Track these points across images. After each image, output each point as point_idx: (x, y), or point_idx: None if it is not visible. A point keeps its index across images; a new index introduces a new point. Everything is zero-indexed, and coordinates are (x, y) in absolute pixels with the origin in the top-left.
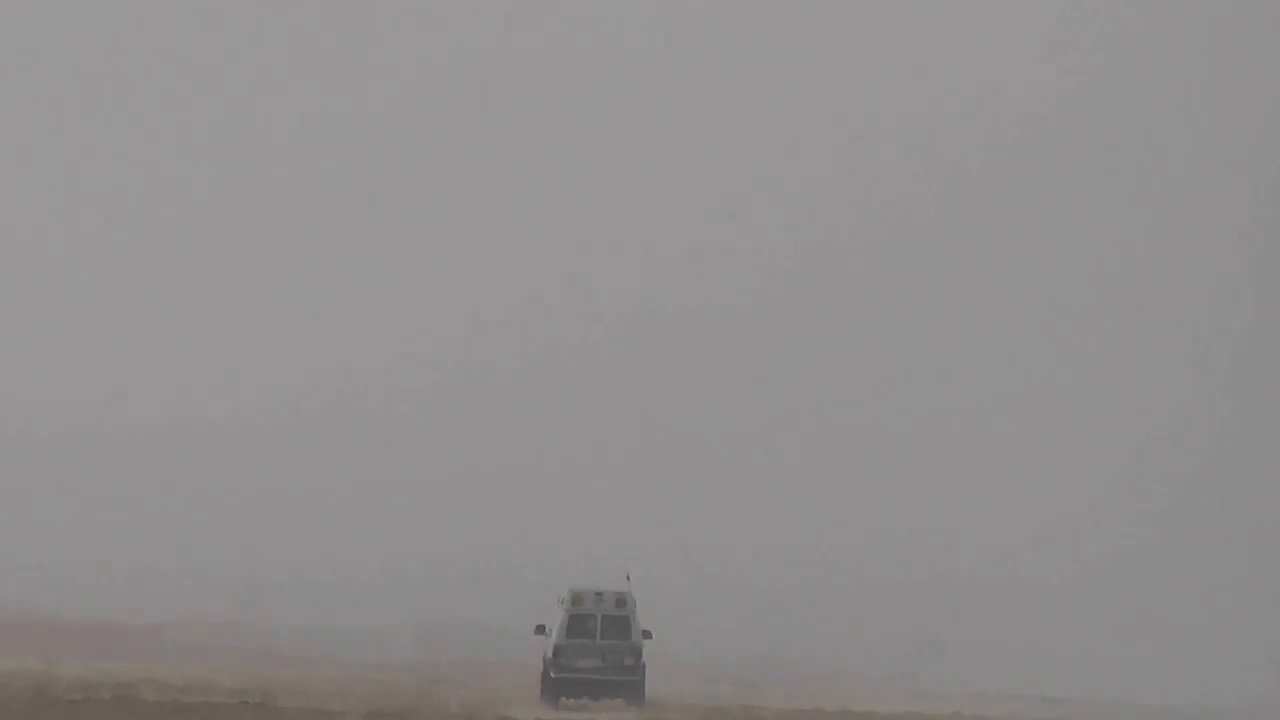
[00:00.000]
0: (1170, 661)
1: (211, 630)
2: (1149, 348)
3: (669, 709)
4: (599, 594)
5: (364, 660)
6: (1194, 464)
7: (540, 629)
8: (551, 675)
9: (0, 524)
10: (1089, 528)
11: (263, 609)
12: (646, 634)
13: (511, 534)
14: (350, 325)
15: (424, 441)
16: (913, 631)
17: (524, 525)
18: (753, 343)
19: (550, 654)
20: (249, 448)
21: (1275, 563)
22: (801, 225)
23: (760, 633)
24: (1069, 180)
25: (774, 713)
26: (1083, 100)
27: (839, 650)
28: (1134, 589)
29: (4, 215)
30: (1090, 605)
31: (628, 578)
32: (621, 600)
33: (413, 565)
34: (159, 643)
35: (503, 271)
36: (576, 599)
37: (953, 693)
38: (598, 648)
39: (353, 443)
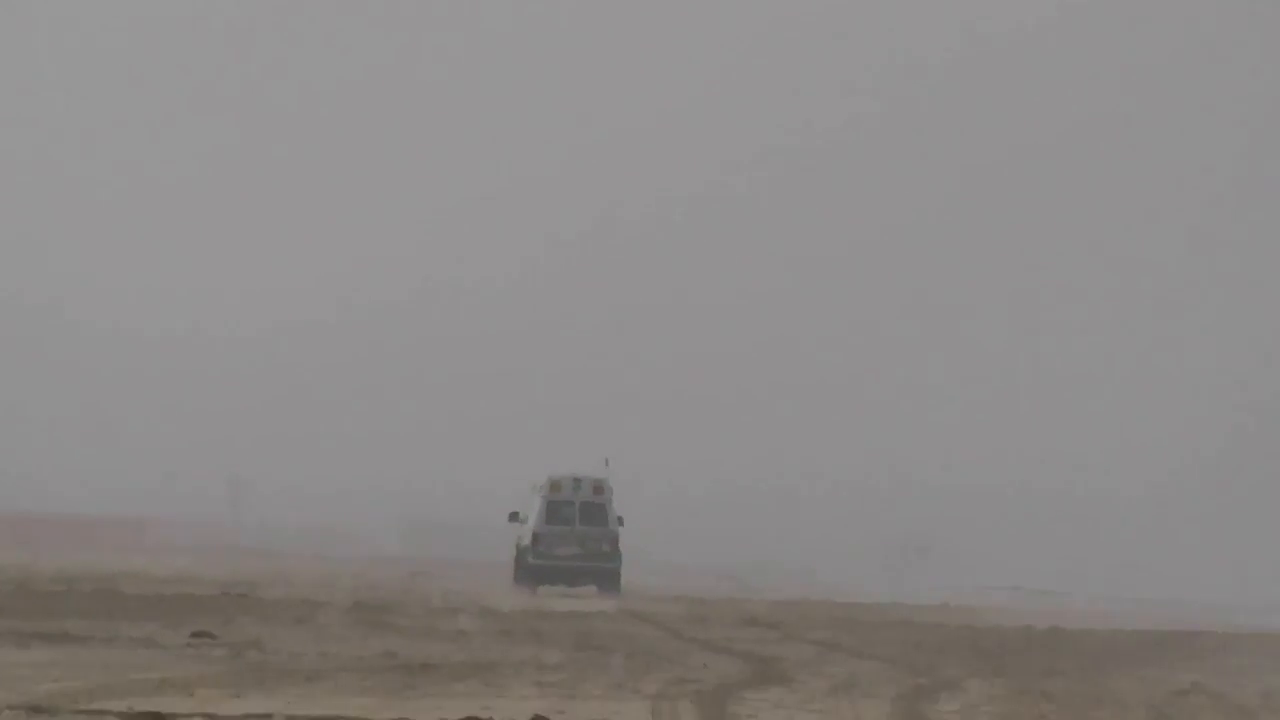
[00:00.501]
0: (1183, 564)
1: (194, 528)
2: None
3: (655, 599)
4: (577, 480)
5: (349, 555)
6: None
7: (514, 516)
8: (530, 561)
9: None
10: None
11: (248, 508)
12: (620, 520)
13: (497, 438)
14: (339, 236)
15: (414, 350)
16: (902, 536)
17: (510, 430)
18: (761, 235)
19: (527, 541)
20: (240, 357)
21: None
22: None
23: (751, 536)
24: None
25: (760, 604)
26: None
27: (829, 554)
28: (1157, 506)
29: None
30: (1111, 520)
31: (606, 463)
32: (599, 487)
33: (399, 467)
34: (141, 539)
35: (492, 178)
36: (554, 486)
37: (939, 591)
38: (575, 534)
39: (344, 353)
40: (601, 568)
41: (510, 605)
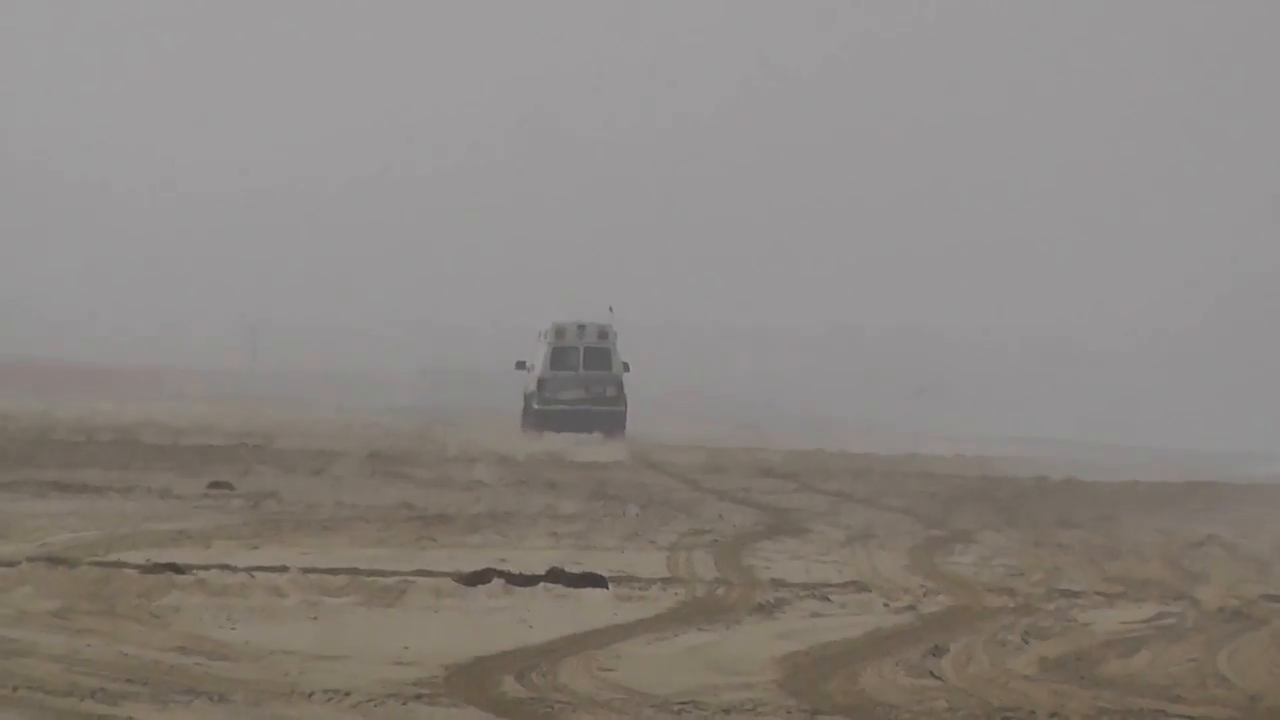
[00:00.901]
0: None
1: (212, 376)
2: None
3: (670, 448)
4: (581, 326)
5: (366, 405)
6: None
7: (521, 364)
8: (535, 407)
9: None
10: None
11: (265, 355)
12: (626, 365)
13: (512, 285)
14: (354, 92)
15: (432, 209)
16: (916, 377)
17: (524, 279)
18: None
19: (534, 386)
20: (259, 208)
21: None
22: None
23: (764, 379)
24: None
25: (775, 453)
26: None
27: (844, 397)
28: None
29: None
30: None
31: (610, 309)
32: (603, 333)
33: (417, 315)
34: (158, 387)
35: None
36: (559, 332)
37: (955, 434)
38: (580, 379)
39: (362, 209)
40: (606, 411)
41: (526, 454)
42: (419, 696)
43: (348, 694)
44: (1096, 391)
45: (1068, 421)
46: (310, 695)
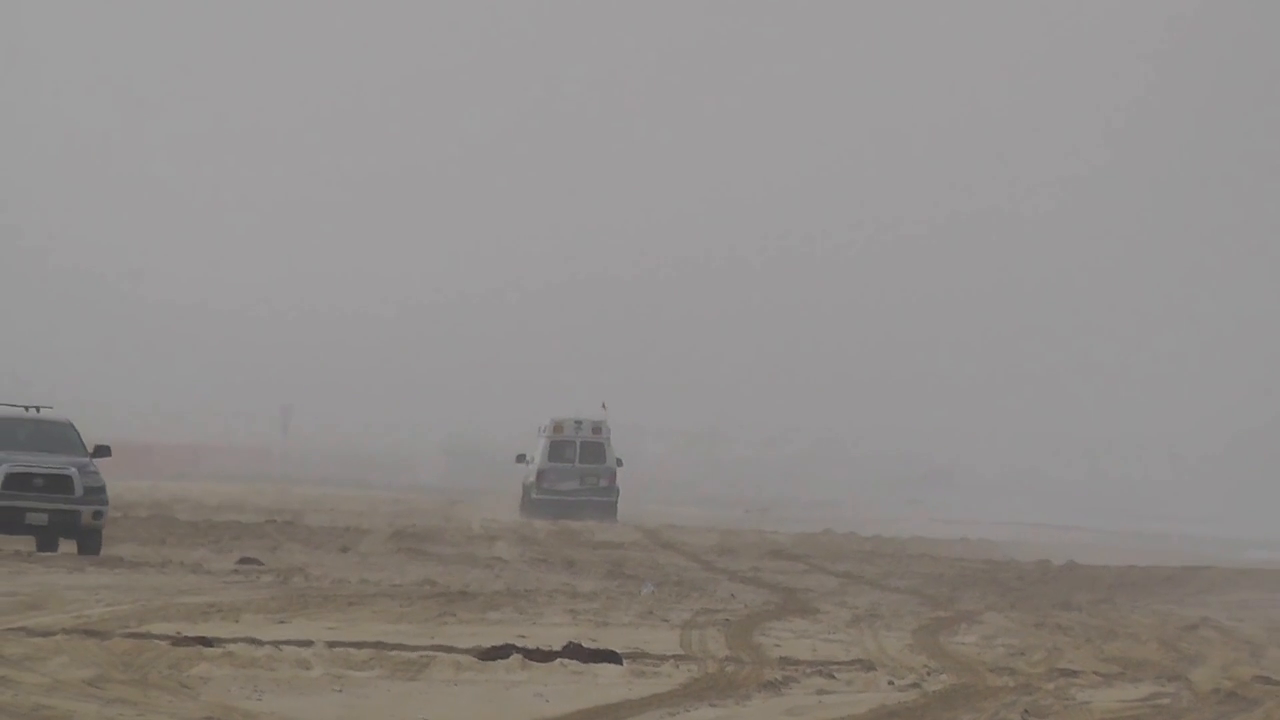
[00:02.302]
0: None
1: (245, 454)
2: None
3: (685, 530)
4: (578, 422)
5: (392, 482)
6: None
7: (521, 458)
8: (534, 496)
9: (47, 347)
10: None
11: (296, 435)
12: (619, 460)
13: (525, 381)
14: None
15: (452, 307)
16: (921, 464)
17: (536, 376)
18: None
19: (533, 478)
20: (298, 325)
21: None
22: None
23: (775, 468)
24: None
25: (786, 535)
26: None
27: (851, 485)
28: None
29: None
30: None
31: (603, 406)
32: (598, 428)
33: (441, 397)
34: (195, 465)
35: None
36: (557, 427)
37: (959, 518)
38: (577, 471)
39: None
40: (600, 501)
41: (546, 532)
42: None
43: None
44: (1093, 480)
45: (1066, 507)
46: None
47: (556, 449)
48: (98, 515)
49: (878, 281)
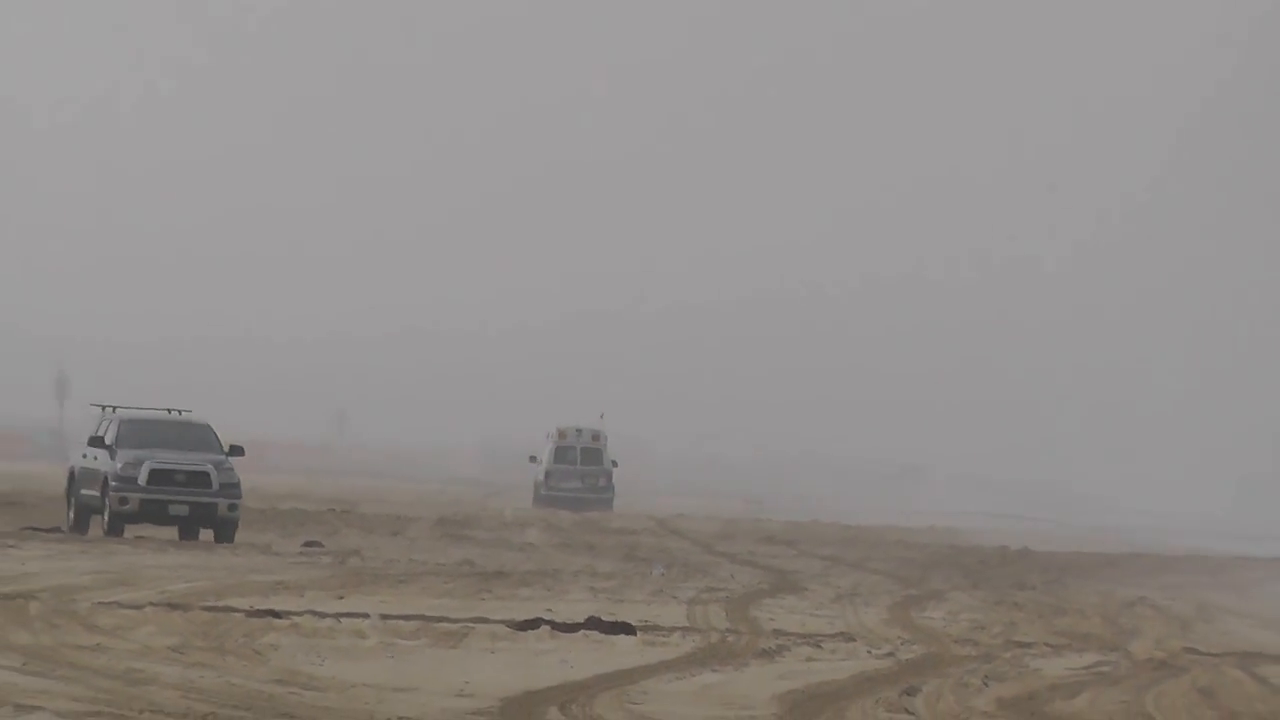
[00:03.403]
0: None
1: (307, 452)
2: None
3: (690, 518)
4: (579, 430)
5: (435, 477)
6: None
7: (533, 458)
8: (542, 493)
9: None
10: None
11: (351, 433)
12: (614, 462)
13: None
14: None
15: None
16: (894, 463)
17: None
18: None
19: (541, 477)
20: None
21: None
22: None
23: (769, 463)
24: None
25: (778, 524)
26: None
27: (834, 482)
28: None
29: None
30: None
31: (601, 416)
32: (596, 435)
33: (479, 399)
34: (262, 461)
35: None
36: (561, 434)
37: (931, 510)
38: (578, 472)
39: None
40: (597, 497)
41: (570, 521)
42: None
43: None
44: (1043, 477)
45: (1019, 500)
46: None
47: (561, 452)
48: (232, 507)
49: (856, 316)
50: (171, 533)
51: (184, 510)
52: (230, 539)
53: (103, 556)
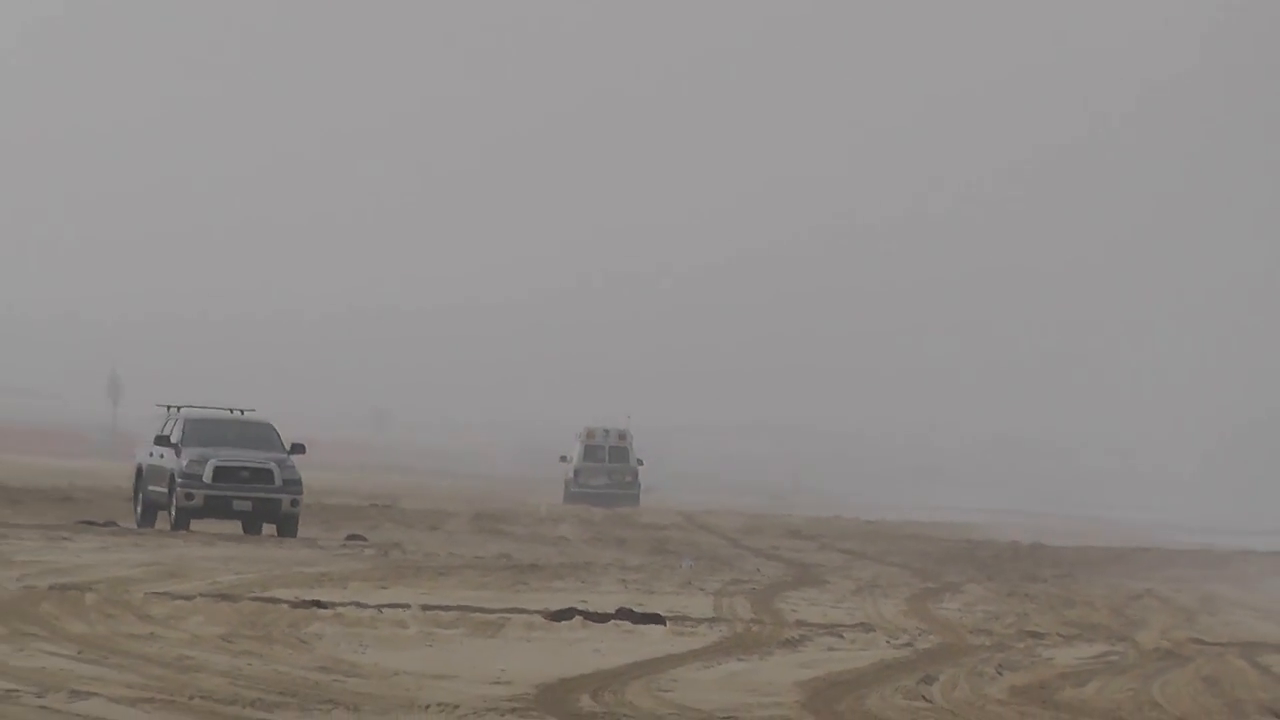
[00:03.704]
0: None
1: (347, 448)
2: None
3: (716, 513)
4: (606, 430)
5: (472, 473)
6: None
7: (563, 458)
8: (572, 490)
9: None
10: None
11: (391, 432)
12: (639, 460)
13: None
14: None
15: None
16: (912, 459)
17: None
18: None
19: (571, 474)
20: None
21: None
22: None
23: (792, 461)
24: None
25: (801, 518)
26: None
27: (858, 478)
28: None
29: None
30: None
31: (628, 417)
32: (622, 435)
33: (513, 401)
34: (308, 461)
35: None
36: (590, 434)
37: (943, 505)
38: (606, 469)
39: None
40: (624, 493)
41: (601, 516)
42: (513, 710)
43: (456, 706)
44: (1051, 474)
45: (1030, 496)
46: (426, 708)
47: (590, 451)
48: (294, 503)
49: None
50: (235, 527)
51: (248, 506)
52: (293, 533)
53: (155, 549)
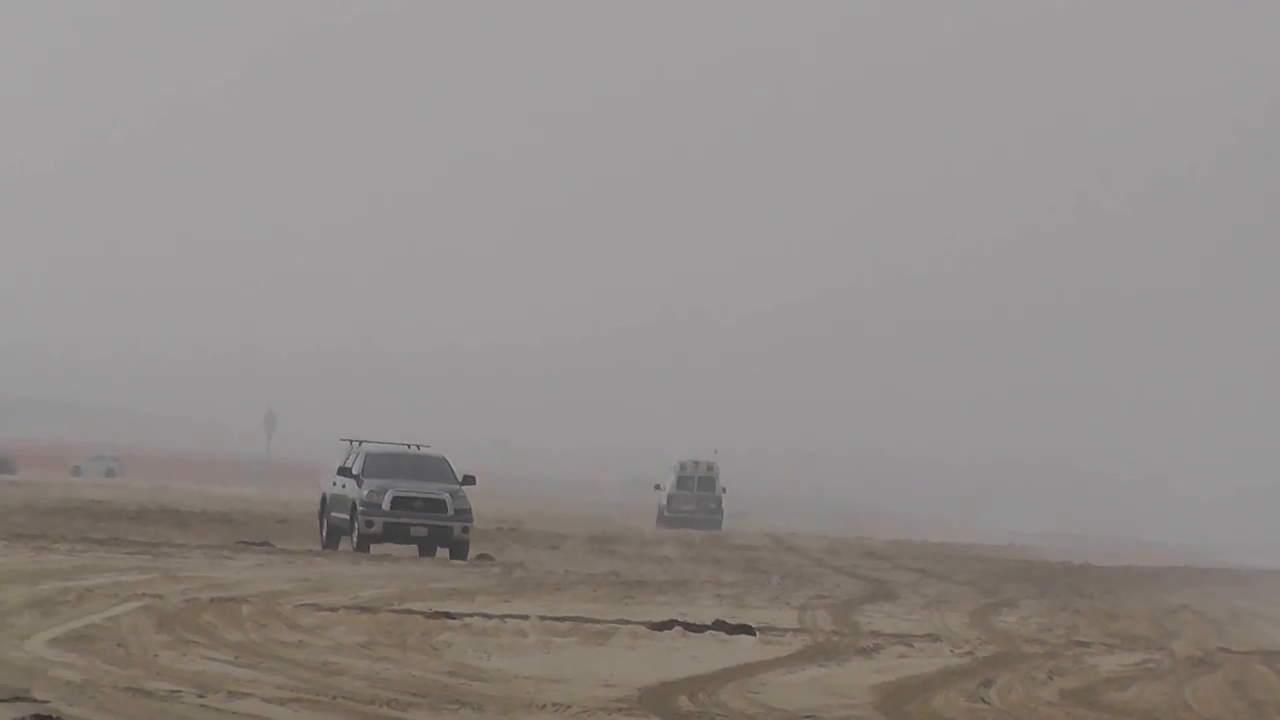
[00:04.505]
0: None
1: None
2: None
3: (801, 536)
4: (696, 462)
5: (587, 500)
6: None
7: (657, 487)
8: (666, 515)
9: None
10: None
11: (515, 462)
12: (723, 489)
13: (677, 423)
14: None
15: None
16: (976, 487)
17: (691, 413)
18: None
19: (664, 501)
20: (513, 360)
21: None
22: None
23: (870, 489)
24: None
25: (878, 542)
26: None
27: (928, 502)
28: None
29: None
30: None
31: (714, 451)
32: (710, 466)
33: (621, 436)
34: None
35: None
36: (682, 466)
37: (1007, 530)
38: (695, 497)
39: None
40: (710, 518)
41: (701, 538)
42: (620, 710)
43: (569, 707)
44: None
45: (1075, 519)
46: (543, 707)
47: (682, 481)
48: (465, 530)
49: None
50: (413, 550)
51: (423, 532)
52: (464, 556)
53: (302, 566)
